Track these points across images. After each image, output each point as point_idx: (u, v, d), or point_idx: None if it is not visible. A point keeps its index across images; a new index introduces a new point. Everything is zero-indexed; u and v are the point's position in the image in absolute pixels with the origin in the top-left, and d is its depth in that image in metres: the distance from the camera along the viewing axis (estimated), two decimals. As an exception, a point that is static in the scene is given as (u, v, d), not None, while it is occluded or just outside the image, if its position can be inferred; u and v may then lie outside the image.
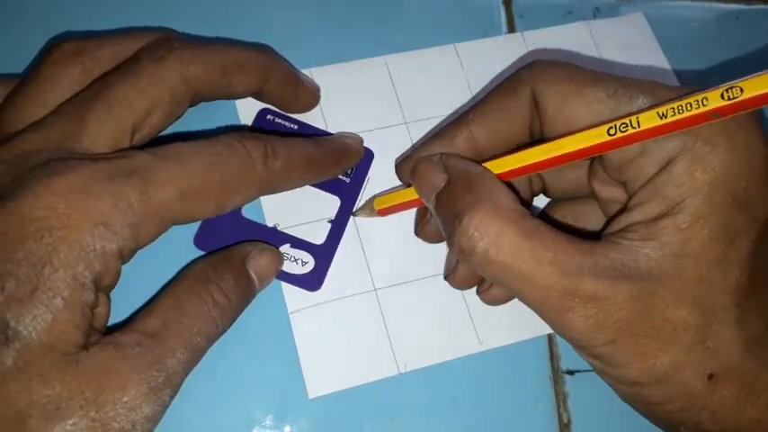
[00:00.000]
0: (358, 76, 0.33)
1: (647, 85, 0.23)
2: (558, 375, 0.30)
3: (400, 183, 0.30)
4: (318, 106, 0.32)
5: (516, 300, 0.29)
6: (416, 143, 0.32)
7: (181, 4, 0.32)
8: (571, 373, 0.30)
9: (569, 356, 0.30)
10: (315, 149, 0.27)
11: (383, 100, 0.32)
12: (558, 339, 0.30)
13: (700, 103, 0.21)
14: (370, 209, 0.29)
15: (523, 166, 0.24)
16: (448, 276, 0.28)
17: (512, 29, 0.36)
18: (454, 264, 0.28)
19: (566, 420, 0.29)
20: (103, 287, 0.22)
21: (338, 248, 0.29)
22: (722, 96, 0.20)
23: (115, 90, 0.23)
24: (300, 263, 0.29)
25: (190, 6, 0.33)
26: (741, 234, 0.22)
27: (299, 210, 0.30)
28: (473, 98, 0.33)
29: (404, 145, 0.32)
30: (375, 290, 0.29)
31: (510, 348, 0.30)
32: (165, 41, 0.25)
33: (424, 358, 0.29)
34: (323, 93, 0.32)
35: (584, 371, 0.30)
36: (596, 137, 0.23)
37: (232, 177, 0.24)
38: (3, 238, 0.20)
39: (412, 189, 0.27)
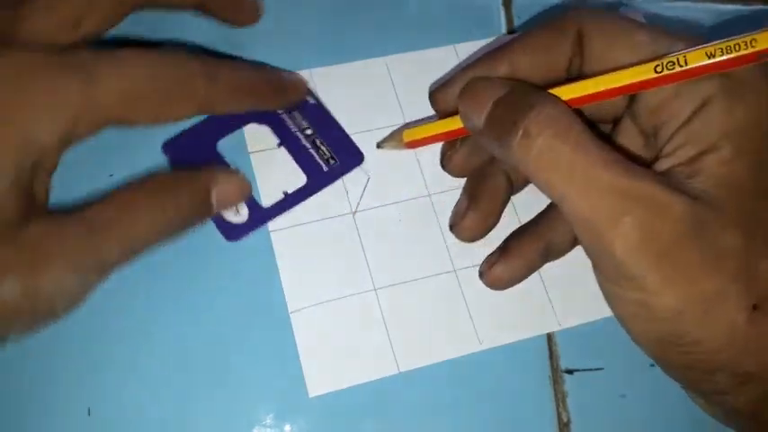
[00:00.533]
0: (358, 76, 0.33)
1: (686, 36, 0.23)
2: (557, 375, 0.30)
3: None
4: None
5: (516, 299, 0.30)
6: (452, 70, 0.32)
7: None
8: (570, 372, 0.30)
9: (569, 356, 0.30)
10: (257, 78, 0.28)
11: (383, 100, 0.33)
12: (558, 339, 0.30)
13: (748, 45, 0.21)
14: (398, 140, 0.29)
15: (571, 99, 0.24)
16: (454, 226, 0.29)
17: (511, 30, 0.36)
18: (463, 212, 0.28)
19: (565, 420, 0.29)
20: (45, 170, 0.23)
21: (337, 246, 0.30)
22: None
23: None
24: (235, 211, 0.29)
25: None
26: None
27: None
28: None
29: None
30: (375, 289, 0.29)
31: (509, 348, 0.30)
32: None
33: (424, 357, 0.29)
34: (323, 93, 0.32)
35: (584, 370, 0.30)
36: (644, 73, 0.23)
37: (172, 91, 0.24)
38: None
39: (446, 121, 0.27)
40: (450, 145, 0.29)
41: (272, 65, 0.32)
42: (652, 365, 0.30)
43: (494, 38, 0.35)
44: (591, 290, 0.30)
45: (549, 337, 0.30)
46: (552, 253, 0.29)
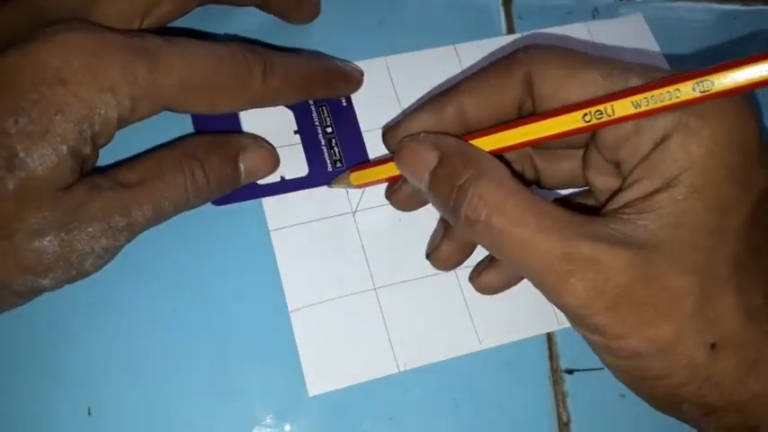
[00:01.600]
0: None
1: (640, 68, 0.24)
2: (557, 375, 0.30)
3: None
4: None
5: (515, 299, 0.30)
6: (405, 110, 0.32)
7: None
8: (570, 372, 0.30)
9: (568, 356, 0.30)
10: (312, 71, 0.29)
11: (383, 100, 0.33)
12: (558, 339, 0.30)
13: (672, 95, 0.22)
14: (347, 183, 0.29)
15: (509, 145, 0.25)
16: (430, 254, 0.29)
17: (511, 29, 0.36)
18: (438, 242, 0.29)
19: (565, 419, 0.30)
20: (98, 145, 0.24)
21: (338, 246, 0.30)
22: (693, 89, 0.21)
23: None
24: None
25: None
26: (736, 205, 0.23)
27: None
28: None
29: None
30: (375, 288, 0.29)
31: (509, 348, 0.30)
32: None
33: (424, 357, 0.29)
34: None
35: (584, 370, 0.30)
36: (572, 122, 0.23)
37: (230, 84, 0.26)
38: (19, 78, 0.22)
39: (390, 166, 0.27)
40: (394, 181, 0.29)
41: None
42: (652, 365, 0.31)
43: (494, 38, 0.35)
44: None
45: (549, 336, 0.31)
46: None
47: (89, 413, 0.26)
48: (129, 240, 0.25)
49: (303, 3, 0.32)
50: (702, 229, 0.22)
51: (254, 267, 0.29)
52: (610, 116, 0.23)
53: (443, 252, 0.29)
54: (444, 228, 0.29)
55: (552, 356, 0.30)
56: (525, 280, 0.29)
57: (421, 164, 0.25)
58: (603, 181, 0.26)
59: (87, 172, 0.24)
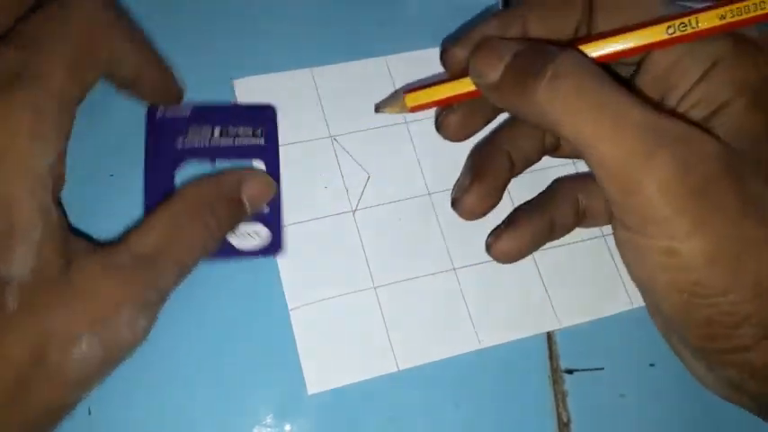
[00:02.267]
0: (358, 76, 0.33)
1: None
2: (557, 374, 0.30)
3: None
4: (320, 108, 0.32)
5: (516, 298, 0.30)
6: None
7: (181, 6, 0.33)
8: (570, 372, 0.30)
9: (568, 356, 0.30)
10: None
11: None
12: (558, 339, 0.30)
13: (759, 6, 0.22)
14: (401, 105, 0.28)
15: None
16: (457, 200, 0.29)
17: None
18: (466, 187, 0.28)
19: (565, 419, 0.30)
20: (57, 192, 0.23)
21: (337, 245, 0.30)
22: None
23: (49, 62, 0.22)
24: (255, 235, 0.29)
25: (189, 7, 0.33)
26: None
27: None
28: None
29: (405, 144, 0.32)
30: (375, 287, 0.30)
31: (509, 347, 0.30)
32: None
33: (423, 356, 0.29)
34: (324, 93, 0.32)
35: (584, 370, 0.30)
36: (656, 34, 0.23)
37: (97, 32, 0.24)
38: None
39: (452, 84, 0.27)
40: (446, 107, 0.29)
41: (273, 64, 0.32)
42: (652, 365, 0.31)
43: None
44: (591, 290, 0.30)
45: (549, 336, 0.31)
46: (556, 230, 0.29)
47: (89, 413, 0.26)
48: (163, 306, 0.24)
49: (169, 89, 0.29)
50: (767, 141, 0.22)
51: (254, 266, 0.29)
52: (694, 28, 0.23)
53: (473, 197, 0.28)
54: (473, 175, 0.29)
55: (552, 356, 0.30)
56: (531, 275, 0.30)
57: (504, 49, 0.24)
58: None
59: (71, 236, 0.23)
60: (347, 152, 0.32)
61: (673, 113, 0.23)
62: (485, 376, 0.29)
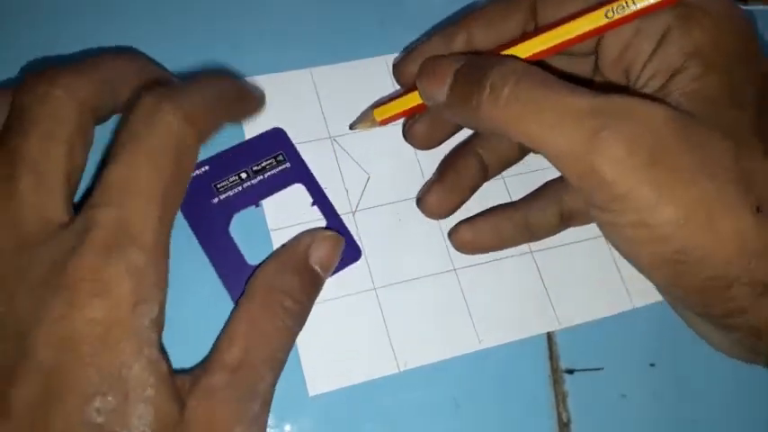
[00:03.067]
0: (357, 76, 0.33)
1: None
2: (557, 375, 0.30)
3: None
4: (319, 108, 0.32)
5: (516, 298, 0.30)
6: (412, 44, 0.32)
7: (181, 6, 0.33)
8: (570, 372, 0.30)
9: (568, 356, 0.30)
10: (220, 88, 0.26)
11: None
12: (558, 339, 0.31)
13: None
14: (371, 120, 0.29)
15: (528, 56, 0.25)
16: (420, 199, 0.30)
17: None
18: (429, 187, 0.29)
19: (565, 420, 0.30)
20: (160, 337, 0.22)
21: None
22: None
23: (29, 151, 0.22)
24: None
25: (189, 7, 0.33)
26: (746, 83, 0.23)
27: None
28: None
29: (404, 144, 0.32)
30: (375, 288, 0.30)
31: (509, 347, 0.30)
32: (37, 79, 0.23)
33: (424, 357, 0.29)
34: (323, 93, 0.32)
35: (584, 370, 0.31)
36: (595, 20, 0.24)
37: (178, 157, 0.22)
38: (73, 373, 0.20)
39: (413, 95, 0.28)
40: (412, 117, 0.30)
41: (273, 64, 0.32)
42: (652, 365, 0.31)
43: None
44: (591, 289, 0.30)
45: (549, 337, 0.31)
46: (534, 230, 0.30)
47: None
48: (269, 412, 0.24)
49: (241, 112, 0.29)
50: (724, 100, 0.22)
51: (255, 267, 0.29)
52: (630, 7, 0.23)
53: (433, 195, 0.29)
54: (437, 176, 0.29)
55: (552, 356, 0.30)
56: (531, 275, 0.30)
57: (447, 67, 0.25)
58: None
59: (194, 375, 0.23)
60: (347, 153, 0.32)
61: (623, 90, 0.24)
62: (485, 377, 0.29)
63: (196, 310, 0.27)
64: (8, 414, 0.19)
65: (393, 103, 0.29)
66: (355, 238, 0.30)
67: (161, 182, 0.21)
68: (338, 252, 0.28)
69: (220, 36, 0.32)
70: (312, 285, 0.26)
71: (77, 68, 0.23)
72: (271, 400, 0.24)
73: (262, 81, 0.32)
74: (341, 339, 0.29)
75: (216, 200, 0.29)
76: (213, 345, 0.24)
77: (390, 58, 0.34)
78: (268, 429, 0.27)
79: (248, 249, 0.29)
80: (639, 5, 0.23)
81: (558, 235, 0.31)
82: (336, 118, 0.32)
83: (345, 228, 0.30)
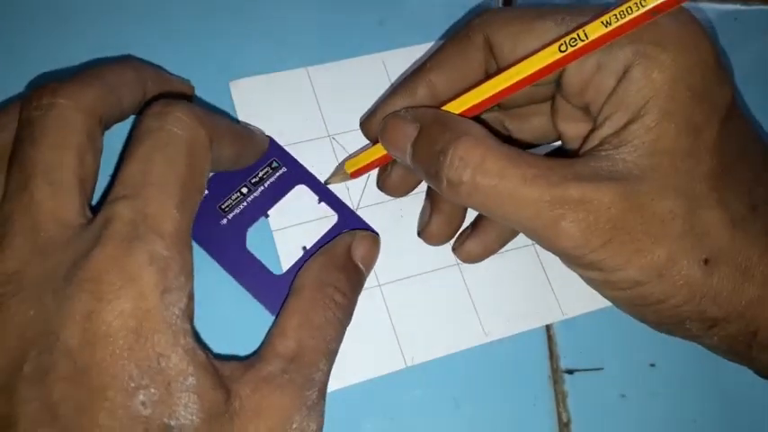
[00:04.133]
0: (354, 73, 0.33)
1: (592, 8, 0.24)
2: (557, 375, 0.30)
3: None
4: (316, 104, 0.32)
5: (519, 290, 0.31)
6: (378, 101, 0.32)
7: (179, 6, 0.33)
8: (570, 372, 0.31)
9: (569, 356, 0.31)
10: (234, 124, 0.28)
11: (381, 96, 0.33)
12: (558, 339, 0.31)
13: (639, 5, 0.22)
14: (343, 174, 0.30)
15: (487, 98, 0.26)
16: (421, 232, 0.30)
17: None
18: (427, 219, 0.29)
19: (565, 420, 0.30)
20: (192, 324, 0.22)
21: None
22: None
23: (41, 161, 0.22)
24: None
25: (189, 6, 0.33)
26: (705, 124, 0.24)
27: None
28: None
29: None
30: (379, 285, 0.30)
31: (509, 348, 0.30)
32: (42, 91, 0.23)
33: (431, 351, 0.29)
34: (320, 92, 0.32)
35: (584, 370, 0.31)
36: (549, 56, 0.24)
37: (194, 159, 0.23)
38: (111, 369, 0.20)
39: (380, 146, 0.28)
40: (384, 167, 0.30)
41: (270, 63, 0.32)
42: (652, 365, 0.31)
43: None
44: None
45: (550, 337, 0.31)
46: None
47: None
48: (325, 402, 0.24)
49: (175, 86, 0.29)
50: (678, 151, 0.23)
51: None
52: (584, 41, 0.23)
53: (433, 227, 0.29)
54: (432, 203, 0.30)
55: (552, 356, 0.31)
56: (534, 267, 0.31)
57: (403, 137, 0.26)
58: (575, 128, 0.27)
59: (244, 363, 0.23)
60: (347, 151, 0.32)
61: (573, 155, 0.25)
62: (485, 377, 0.30)
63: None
64: (55, 420, 0.19)
65: (362, 155, 0.29)
66: None
67: (176, 175, 0.22)
68: (377, 249, 0.29)
69: (220, 36, 0.33)
70: (357, 281, 0.27)
71: (80, 79, 0.24)
72: (326, 390, 0.24)
73: (258, 81, 0.32)
74: (347, 337, 0.28)
75: (225, 221, 0.29)
76: (264, 339, 0.25)
77: (387, 55, 0.34)
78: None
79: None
80: (591, 38, 0.23)
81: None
82: (334, 116, 0.32)
83: (358, 216, 0.30)
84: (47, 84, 0.23)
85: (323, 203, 0.30)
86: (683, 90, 0.23)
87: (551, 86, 0.27)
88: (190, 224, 0.22)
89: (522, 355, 0.30)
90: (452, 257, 0.31)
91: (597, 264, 0.24)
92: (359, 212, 0.31)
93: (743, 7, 0.39)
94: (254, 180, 0.30)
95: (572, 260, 0.25)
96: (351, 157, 0.30)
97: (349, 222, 0.30)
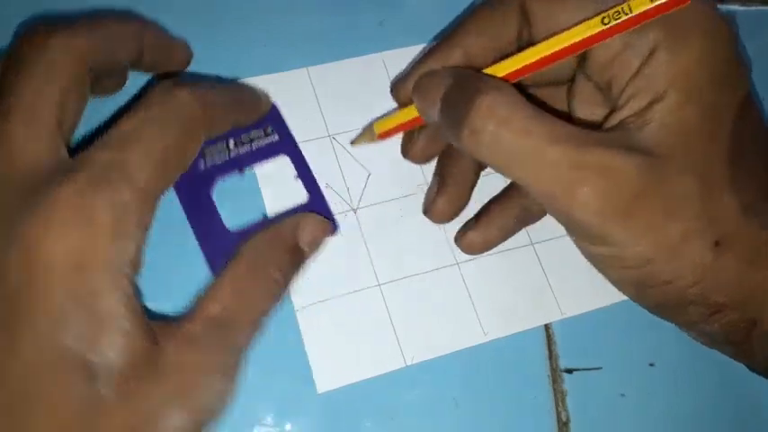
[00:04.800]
0: (355, 73, 0.33)
1: None
2: (556, 374, 0.31)
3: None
4: (316, 104, 0.32)
5: (518, 289, 0.31)
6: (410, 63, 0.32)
7: (179, 6, 0.33)
8: (570, 371, 0.31)
9: (568, 355, 0.31)
10: (235, 92, 0.28)
11: (380, 96, 0.33)
12: (558, 338, 0.31)
13: None
14: (370, 134, 0.30)
15: (528, 65, 0.25)
16: (427, 209, 0.30)
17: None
18: (433, 196, 0.30)
19: (564, 419, 0.30)
20: (136, 277, 0.22)
21: (340, 243, 0.30)
22: None
23: (22, 95, 0.22)
24: None
25: (191, 8, 0.33)
26: (725, 109, 0.24)
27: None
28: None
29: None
30: (379, 285, 0.30)
31: (509, 347, 0.30)
32: (35, 30, 0.24)
33: (431, 350, 0.29)
34: (321, 92, 0.32)
35: (584, 369, 0.31)
36: (592, 27, 0.24)
37: (184, 130, 0.23)
38: (43, 295, 0.20)
39: (410, 108, 0.28)
40: (409, 135, 0.31)
41: (270, 64, 0.33)
42: (652, 365, 0.31)
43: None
44: (592, 278, 0.30)
45: (549, 336, 0.31)
46: (529, 217, 0.31)
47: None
48: (243, 366, 0.24)
49: (175, 46, 0.30)
50: (700, 133, 0.24)
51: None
52: (627, 14, 0.23)
53: (439, 204, 0.30)
54: (440, 180, 0.30)
55: (552, 356, 0.31)
56: (533, 266, 0.31)
57: (436, 88, 0.26)
58: (591, 112, 0.27)
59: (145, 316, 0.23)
60: (347, 150, 0.32)
61: (597, 127, 0.25)
62: (484, 376, 0.30)
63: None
64: None
65: (393, 116, 0.29)
66: (358, 235, 0.31)
67: (164, 144, 0.22)
68: (325, 236, 0.28)
69: (219, 36, 0.33)
70: (298, 264, 0.27)
71: (75, 24, 0.24)
72: (245, 361, 0.24)
73: (260, 81, 0.32)
74: (348, 336, 0.29)
75: (202, 165, 0.29)
76: (196, 299, 0.24)
77: (387, 55, 0.34)
78: (279, 429, 0.28)
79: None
80: (636, 12, 0.23)
81: (558, 226, 0.31)
82: (335, 116, 0.32)
83: (326, 203, 0.30)
84: (42, 23, 0.24)
85: (299, 181, 0.31)
86: (706, 74, 0.24)
87: (574, 64, 0.27)
88: (161, 191, 0.23)
89: (522, 355, 0.30)
90: (452, 257, 0.31)
91: (610, 237, 0.23)
92: (359, 212, 0.31)
93: (743, 7, 0.39)
94: (243, 139, 0.30)
95: (583, 231, 0.24)
96: (379, 119, 0.30)
97: (316, 206, 0.30)
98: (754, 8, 0.39)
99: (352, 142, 0.31)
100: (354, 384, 0.28)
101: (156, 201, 0.23)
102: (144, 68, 0.29)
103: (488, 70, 0.26)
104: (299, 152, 0.31)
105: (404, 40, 0.34)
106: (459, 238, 0.31)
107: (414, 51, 0.34)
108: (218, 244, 0.28)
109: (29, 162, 0.22)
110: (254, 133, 0.30)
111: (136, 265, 0.22)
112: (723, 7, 0.38)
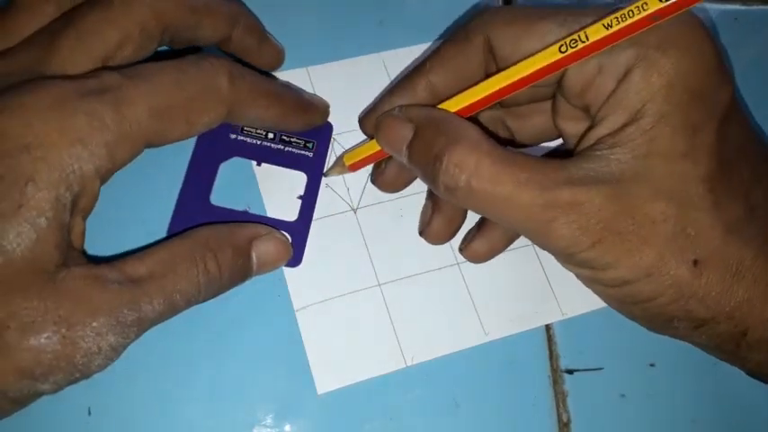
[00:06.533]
0: (355, 73, 0.34)
1: (594, 9, 0.25)
2: (557, 375, 0.31)
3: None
4: (316, 104, 0.33)
5: (519, 290, 0.31)
6: (377, 97, 0.33)
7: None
8: (570, 372, 0.31)
9: (568, 356, 0.31)
10: (281, 88, 0.29)
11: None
12: (558, 339, 0.31)
13: (640, 9, 0.23)
14: (341, 166, 0.30)
15: (485, 97, 0.26)
16: (423, 231, 0.30)
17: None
18: (428, 218, 0.30)
19: (565, 420, 0.30)
20: (81, 209, 0.23)
21: (339, 244, 0.30)
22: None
23: (86, 20, 0.24)
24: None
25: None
26: (702, 125, 0.24)
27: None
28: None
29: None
30: (379, 285, 0.30)
31: (509, 347, 0.30)
32: None
33: (431, 351, 0.30)
34: (320, 92, 0.33)
35: (584, 370, 0.31)
36: (549, 56, 0.24)
37: (199, 94, 0.24)
38: None
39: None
40: (378, 164, 0.31)
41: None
42: (652, 365, 0.31)
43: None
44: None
45: (549, 337, 0.31)
46: None
47: (89, 413, 0.27)
48: (138, 336, 0.23)
49: (266, 46, 0.31)
50: (673, 153, 0.24)
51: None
52: (584, 42, 0.24)
53: (434, 227, 0.30)
54: (433, 203, 0.30)
55: (552, 356, 0.31)
56: (533, 267, 0.31)
57: (398, 138, 0.27)
58: (574, 126, 0.28)
59: (79, 250, 0.23)
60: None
61: (567, 155, 0.26)
62: (485, 376, 0.30)
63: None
64: None
65: (361, 148, 0.30)
66: (358, 235, 0.31)
67: (170, 95, 0.24)
68: (282, 256, 0.28)
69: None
70: (241, 268, 0.27)
71: None
72: (147, 328, 0.23)
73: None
74: (348, 337, 0.29)
75: (233, 135, 0.30)
76: (123, 256, 0.24)
77: (387, 55, 0.34)
78: (278, 430, 0.28)
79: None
80: (592, 40, 0.23)
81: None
82: (335, 116, 0.32)
83: (306, 234, 0.30)
84: None
85: (300, 203, 0.31)
86: (681, 92, 0.24)
87: (552, 86, 0.28)
88: (144, 138, 0.23)
89: (522, 355, 0.31)
90: (452, 257, 0.31)
91: (588, 262, 0.24)
92: (359, 212, 0.31)
93: (743, 7, 0.39)
94: (284, 138, 0.31)
95: (565, 258, 0.25)
96: (350, 150, 0.31)
97: (297, 231, 0.30)
98: (754, 8, 0.39)
99: (325, 174, 0.31)
100: (354, 385, 0.28)
101: (136, 144, 0.23)
102: (230, 50, 0.30)
103: (448, 103, 0.27)
104: (318, 180, 0.31)
105: (404, 39, 0.34)
106: (464, 249, 0.31)
107: (414, 51, 0.34)
108: (189, 207, 0.29)
109: (55, 70, 0.23)
110: (295, 139, 0.31)
111: (87, 183, 0.22)
112: (723, 7, 0.38)
